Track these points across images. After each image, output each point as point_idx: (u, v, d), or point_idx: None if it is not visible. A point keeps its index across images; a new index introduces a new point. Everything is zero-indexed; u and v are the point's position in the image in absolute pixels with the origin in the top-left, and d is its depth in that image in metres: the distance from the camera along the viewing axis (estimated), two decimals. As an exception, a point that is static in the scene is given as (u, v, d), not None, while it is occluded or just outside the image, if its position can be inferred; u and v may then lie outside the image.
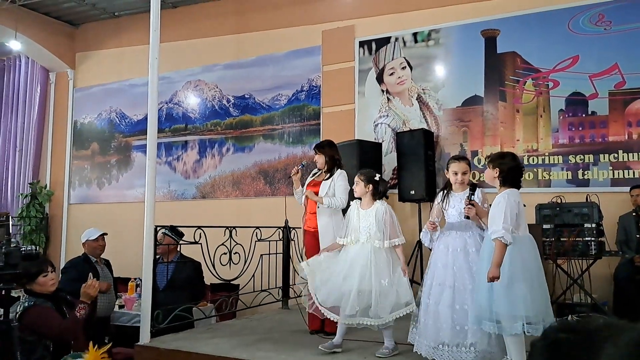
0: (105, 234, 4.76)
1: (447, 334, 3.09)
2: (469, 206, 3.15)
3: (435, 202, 3.46)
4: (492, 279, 2.80)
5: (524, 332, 2.80)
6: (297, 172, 4.28)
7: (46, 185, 8.55)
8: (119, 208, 7.89)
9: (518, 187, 3.06)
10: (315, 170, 4.38)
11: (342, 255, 3.51)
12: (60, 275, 4.54)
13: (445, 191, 3.41)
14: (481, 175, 5.53)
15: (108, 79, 8.37)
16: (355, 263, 3.39)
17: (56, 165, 8.63)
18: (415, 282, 4.91)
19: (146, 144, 3.98)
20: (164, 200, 7.38)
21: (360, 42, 6.53)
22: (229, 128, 7.41)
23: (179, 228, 4.68)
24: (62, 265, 5.86)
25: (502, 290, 2.85)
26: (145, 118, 7.63)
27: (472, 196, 3.19)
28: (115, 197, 8.12)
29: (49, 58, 8.49)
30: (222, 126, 7.45)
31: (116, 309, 4.73)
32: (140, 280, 4.36)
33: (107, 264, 4.84)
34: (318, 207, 4.10)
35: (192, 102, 7.74)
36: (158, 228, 4.05)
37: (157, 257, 4.23)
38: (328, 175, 4.20)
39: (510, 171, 3.03)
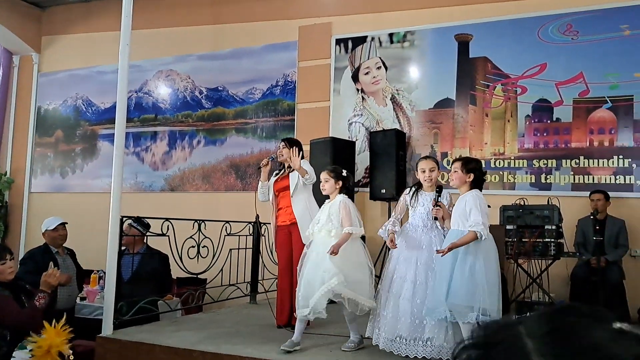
0: (66, 223, 4.64)
1: (405, 327, 3.16)
2: (437, 208, 3.25)
3: (402, 199, 3.53)
4: (444, 251, 2.99)
5: (477, 322, 2.90)
6: (267, 164, 4.23)
7: (6, 173, 8.26)
8: (83, 198, 7.70)
9: (481, 189, 3.24)
10: (276, 172, 4.33)
11: (309, 248, 3.54)
12: (19, 266, 4.41)
13: (415, 189, 3.48)
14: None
15: (75, 65, 8.15)
16: (310, 255, 3.43)
17: (17, 152, 8.35)
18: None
19: (113, 133, 3.91)
20: (131, 191, 7.25)
21: (337, 39, 6.55)
22: (200, 120, 7.32)
23: (146, 220, 4.61)
24: (21, 256, 5.69)
25: (462, 283, 2.98)
26: (113, 106, 7.49)
27: (439, 198, 3.30)
28: (80, 186, 7.92)
29: (13, 40, 8.19)
30: (194, 118, 7.36)
31: (78, 301, 4.63)
32: (103, 272, 4.27)
33: (72, 254, 4.71)
34: (292, 196, 4.07)
35: (162, 92, 7.61)
36: (124, 219, 3.98)
37: (123, 248, 4.16)
38: (289, 166, 4.20)
39: (481, 177, 3.24)
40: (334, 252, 3.21)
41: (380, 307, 3.32)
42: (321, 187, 3.59)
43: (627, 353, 0.41)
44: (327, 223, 3.43)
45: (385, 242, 5.40)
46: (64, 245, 4.61)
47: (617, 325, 0.45)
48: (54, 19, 8.35)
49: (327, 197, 3.61)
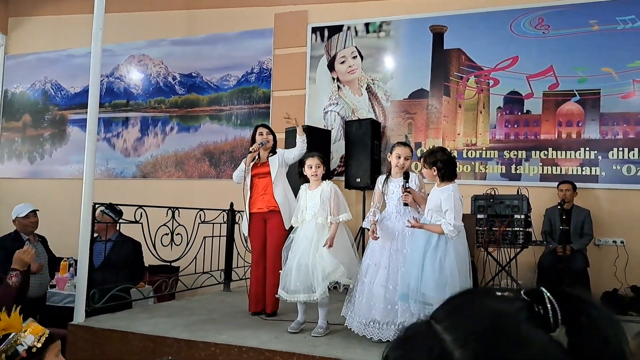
0: (37, 210, 4.55)
1: (379, 312, 3.23)
2: (406, 193, 3.29)
3: (376, 188, 3.58)
4: (410, 225, 3.09)
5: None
6: (258, 150, 4.15)
7: (-29, 157, 8.02)
8: (52, 184, 7.54)
9: (456, 177, 3.23)
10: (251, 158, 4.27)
11: (297, 236, 3.56)
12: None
13: (385, 177, 3.53)
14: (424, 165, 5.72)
15: (44, 48, 7.92)
16: (299, 241, 3.47)
17: (-17, 136, 8.10)
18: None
19: (83, 119, 3.86)
20: (102, 178, 7.12)
21: (313, 28, 6.54)
22: (173, 106, 7.23)
23: (119, 207, 4.55)
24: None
25: (433, 274, 3.03)
26: (83, 91, 7.36)
27: (407, 183, 3.33)
28: (49, 172, 7.74)
29: (-22, 21, 7.92)
30: (167, 104, 7.26)
31: (48, 288, 4.55)
32: (74, 259, 4.21)
33: (43, 241, 4.63)
34: (274, 181, 4.06)
35: (135, 77, 7.48)
36: (97, 206, 3.92)
37: (95, 235, 4.10)
38: (270, 153, 4.21)
39: (446, 165, 3.18)
40: (330, 245, 3.32)
41: (356, 292, 3.38)
42: (313, 173, 3.55)
43: (509, 307, 0.51)
44: (321, 210, 3.47)
45: (360, 228, 5.49)
46: (35, 232, 4.53)
47: (498, 293, 0.54)
48: (21, 0, 8.08)
49: (298, 183, 3.66)
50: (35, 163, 7.90)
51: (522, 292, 0.53)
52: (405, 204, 3.32)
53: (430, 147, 3.53)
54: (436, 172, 3.16)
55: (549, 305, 0.51)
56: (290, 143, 5.49)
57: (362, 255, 3.61)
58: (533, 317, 0.50)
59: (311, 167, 3.56)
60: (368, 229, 3.54)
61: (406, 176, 3.35)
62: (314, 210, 3.50)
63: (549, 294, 0.51)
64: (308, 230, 3.49)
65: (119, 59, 7.51)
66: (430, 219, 3.16)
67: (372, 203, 3.62)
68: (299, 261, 3.40)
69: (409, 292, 3.07)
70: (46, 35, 7.91)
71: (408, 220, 3.16)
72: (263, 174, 4.10)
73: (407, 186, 3.32)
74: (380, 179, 3.57)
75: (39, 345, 1.72)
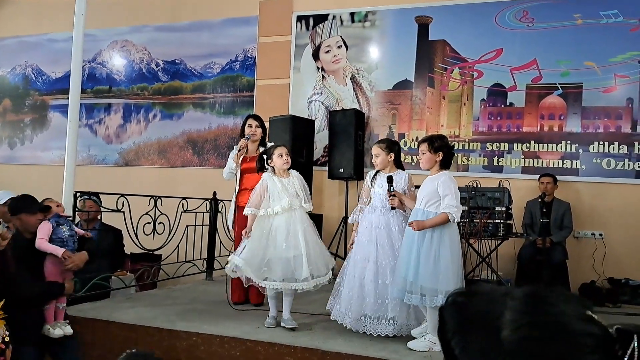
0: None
1: (370, 307, 3.25)
2: (392, 197, 3.28)
3: (365, 183, 3.58)
4: (413, 227, 3.01)
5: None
6: (246, 146, 4.12)
7: (-51, 142, 7.86)
8: (32, 170, 7.43)
9: (449, 167, 3.22)
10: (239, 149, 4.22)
11: (271, 225, 3.46)
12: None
13: (375, 171, 3.53)
14: (413, 157, 5.75)
15: (24, 32, 7.76)
16: (295, 230, 3.39)
17: (-39, 121, 7.93)
18: (339, 257, 5.08)
19: (65, 104, 3.81)
20: (83, 164, 7.03)
21: (298, 16, 6.49)
22: (156, 93, 7.14)
23: (100, 195, 4.51)
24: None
25: (429, 266, 3.03)
26: (65, 76, 7.23)
27: (392, 187, 3.30)
28: (29, 158, 7.63)
29: (-45, 2, 7.71)
30: (150, 91, 7.17)
31: (28, 276, 4.50)
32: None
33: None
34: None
35: (117, 63, 7.37)
36: (78, 194, 3.88)
37: (77, 222, 4.06)
38: (260, 146, 4.18)
39: (449, 153, 3.17)
40: (413, 224, 3.13)
41: (343, 286, 3.38)
42: (285, 161, 3.50)
43: (586, 338, 0.52)
44: (303, 197, 3.50)
45: (342, 219, 5.51)
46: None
47: (588, 313, 0.55)
48: (0, -19, 7.89)
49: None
50: (15, 149, 7.77)
51: (615, 328, 0.52)
52: (393, 208, 3.31)
53: (429, 134, 3.46)
54: (440, 157, 3.12)
55: (629, 351, 0.51)
56: (274, 132, 5.47)
57: (342, 247, 3.62)
58: (606, 354, 0.50)
59: (282, 156, 3.50)
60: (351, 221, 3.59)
61: (389, 180, 3.32)
62: (298, 197, 3.48)
63: (637, 343, 0.51)
64: (294, 218, 3.42)
65: (101, 44, 7.39)
66: (424, 207, 3.11)
67: (359, 199, 3.62)
68: (287, 252, 3.32)
69: (405, 286, 3.06)
70: (27, 18, 7.75)
71: (409, 224, 3.08)
72: (253, 168, 4.06)
73: (392, 190, 3.30)
74: (370, 174, 3.56)
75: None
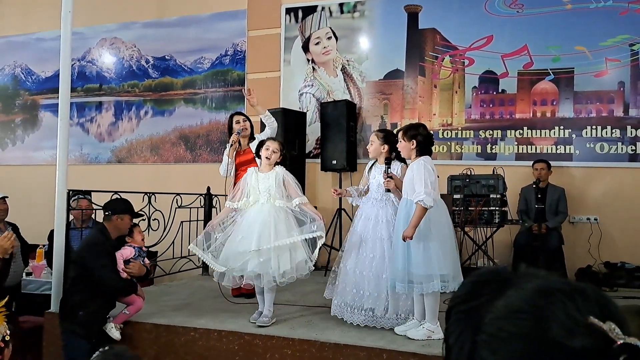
0: (6, 197, 4.46)
1: (350, 296, 3.28)
2: (387, 179, 3.28)
3: (365, 172, 3.59)
4: (405, 238, 2.97)
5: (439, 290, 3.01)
6: (237, 141, 4.13)
7: (-61, 145, 7.79)
8: (24, 171, 7.39)
9: (431, 154, 3.21)
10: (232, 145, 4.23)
11: (241, 218, 3.44)
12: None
13: (373, 162, 3.53)
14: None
15: (12, 31, 7.69)
16: (254, 223, 3.34)
17: (-50, 123, 7.86)
18: (334, 248, 5.08)
19: (55, 103, 3.79)
20: (76, 163, 7.00)
21: (286, 9, 6.45)
22: (147, 90, 7.10)
23: (94, 193, 4.48)
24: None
25: (418, 252, 3.02)
26: (54, 75, 7.17)
27: (389, 169, 3.31)
28: (21, 159, 7.58)
29: (-59, 3, 7.62)
30: (140, 88, 7.13)
31: (23, 276, 4.48)
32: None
33: (15, 228, 4.54)
34: None
35: (107, 60, 7.31)
36: (71, 192, 3.85)
37: (70, 222, 4.04)
38: (250, 140, 4.21)
39: (425, 141, 3.16)
40: (404, 238, 3.06)
41: (339, 277, 3.40)
42: (268, 156, 3.46)
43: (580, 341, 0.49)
44: (277, 193, 3.41)
45: (337, 210, 5.51)
46: (5, 219, 4.44)
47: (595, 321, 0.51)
48: (-15, -20, 7.80)
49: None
50: (6, 149, 7.72)
51: (619, 343, 0.47)
52: (388, 190, 3.30)
53: (404, 126, 3.47)
54: (414, 145, 3.11)
55: None
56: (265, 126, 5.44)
57: (336, 239, 3.62)
58: None
59: (268, 149, 3.47)
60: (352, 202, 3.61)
61: (388, 162, 3.32)
62: (269, 193, 3.40)
63: None
64: (262, 213, 3.35)
65: (90, 42, 7.33)
66: (407, 196, 3.11)
67: (359, 185, 3.62)
68: (258, 246, 3.24)
69: (397, 276, 3.06)
70: (14, 18, 7.68)
71: (404, 239, 3.01)
72: (247, 161, 4.09)
73: (389, 172, 3.29)
74: (369, 163, 3.58)
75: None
